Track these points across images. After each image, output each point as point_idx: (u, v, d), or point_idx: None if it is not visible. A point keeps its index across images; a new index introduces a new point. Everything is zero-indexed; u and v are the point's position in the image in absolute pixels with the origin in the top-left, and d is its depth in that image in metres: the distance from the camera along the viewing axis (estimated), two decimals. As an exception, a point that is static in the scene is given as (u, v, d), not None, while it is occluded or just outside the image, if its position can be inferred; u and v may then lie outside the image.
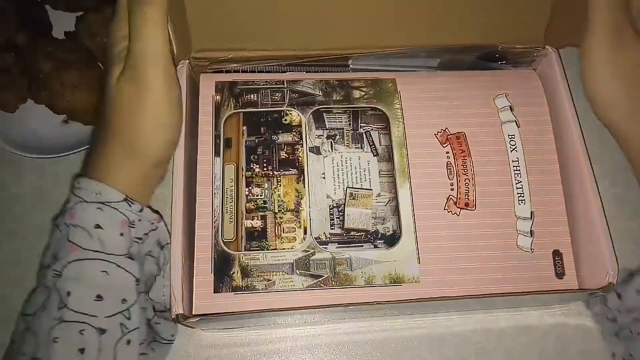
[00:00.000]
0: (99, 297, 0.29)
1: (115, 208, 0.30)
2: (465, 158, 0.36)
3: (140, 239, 0.32)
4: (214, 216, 0.33)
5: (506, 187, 0.35)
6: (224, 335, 0.38)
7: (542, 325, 0.39)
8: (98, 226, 0.30)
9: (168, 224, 0.33)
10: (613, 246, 0.33)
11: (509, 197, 0.35)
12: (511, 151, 0.36)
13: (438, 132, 0.36)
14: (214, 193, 0.34)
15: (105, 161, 0.32)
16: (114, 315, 0.29)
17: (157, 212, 0.33)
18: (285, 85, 0.37)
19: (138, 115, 0.30)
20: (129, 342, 0.29)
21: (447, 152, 0.36)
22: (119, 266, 0.30)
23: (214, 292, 0.32)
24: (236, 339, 0.38)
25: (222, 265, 0.32)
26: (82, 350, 0.28)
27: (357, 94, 0.37)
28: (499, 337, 0.39)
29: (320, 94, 0.37)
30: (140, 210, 0.31)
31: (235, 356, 0.38)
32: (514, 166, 0.36)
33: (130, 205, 0.31)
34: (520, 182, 0.35)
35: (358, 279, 0.33)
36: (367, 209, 0.34)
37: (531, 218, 0.35)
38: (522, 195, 0.35)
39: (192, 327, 0.34)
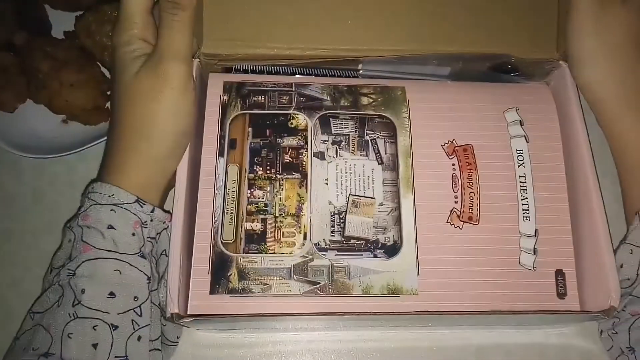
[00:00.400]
0: (112, 295, 0.30)
1: (127, 209, 0.31)
2: (471, 171, 0.35)
3: (153, 238, 0.32)
4: (215, 217, 0.33)
5: (511, 202, 0.35)
6: (223, 336, 0.38)
7: (541, 344, 0.38)
8: (111, 227, 0.31)
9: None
10: (617, 268, 0.32)
11: (513, 213, 0.34)
12: (519, 166, 0.35)
13: (445, 143, 0.36)
14: (216, 193, 0.34)
15: (118, 162, 0.32)
16: (126, 312, 0.30)
17: (168, 212, 0.33)
18: (294, 89, 0.36)
19: (154, 102, 0.32)
20: (139, 338, 0.30)
21: (453, 164, 0.35)
22: (131, 265, 0.31)
23: (210, 293, 0.31)
24: (236, 340, 0.38)
25: (220, 267, 0.32)
26: (95, 346, 0.29)
27: (365, 100, 0.36)
28: (496, 354, 0.38)
29: (328, 99, 0.36)
30: (152, 211, 0.32)
31: (234, 357, 0.38)
32: (520, 182, 0.35)
33: (141, 206, 0.32)
34: (526, 198, 0.35)
35: (355, 288, 0.32)
36: (368, 217, 0.34)
37: (535, 236, 0.34)
38: (528, 212, 0.35)
39: (187, 327, 0.34)
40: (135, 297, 0.30)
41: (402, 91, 0.37)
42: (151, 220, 0.32)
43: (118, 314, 0.30)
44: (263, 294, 0.32)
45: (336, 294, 0.32)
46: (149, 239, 0.32)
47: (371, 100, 0.36)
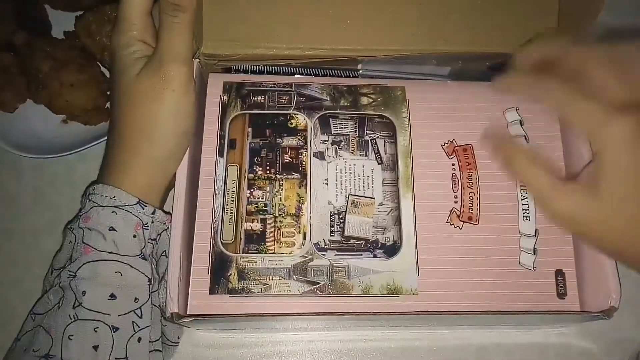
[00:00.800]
0: (113, 296, 0.30)
1: (128, 211, 0.31)
2: (471, 171, 0.35)
3: (154, 239, 0.33)
4: (214, 217, 0.33)
5: (511, 202, 0.35)
6: (223, 336, 0.38)
7: (540, 343, 0.38)
8: (112, 229, 0.31)
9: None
10: (617, 268, 0.32)
11: (513, 213, 0.34)
12: None
13: (445, 143, 0.36)
14: (216, 193, 0.34)
15: (119, 163, 0.32)
16: (127, 314, 0.30)
17: (168, 213, 0.33)
18: (293, 89, 0.36)
19: (155, 103, 0.32)
20: (139, 339, 0.30)
21: (453, 164, 0.35)
22: (132, 267, 0.31)
23: (210, 293, 0.31)
24: (236, 340, 0.38)
25: (220, 267, 0.32)
26: (96, 347, 0.29)
27: (365, 100, 0.36)
28: (496, 354, 0.38)
29: (328, 99, 0.36)
30: (153, 212, 0.32)
31: (234, 357, 0.38)
32: (520, 182, 0.35)
33: (143, 208, 0.32)
34: (526, 198, 0.35)
35: (355, 288, 0.32)
36: (368, 217, 0.34)
37: (535, 235, 0.34)
38: (527, 212, 0.35)
39: (187, 327, 0.34)
40: (135, 299, 0.31)
41: (401, 91, 0.37)
42: (152, 222, 0.32)
43: (119, 315, 0.30)
44: (263, 294, 0.32)
45: (336, 294, 0.32)
46: (149, 241, 0.32)
47: (371, 100, 0.36)
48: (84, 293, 0.29)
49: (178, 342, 0.35)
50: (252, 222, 0.33)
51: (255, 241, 0.33)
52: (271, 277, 0.32)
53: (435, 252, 0.33)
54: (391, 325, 0.38)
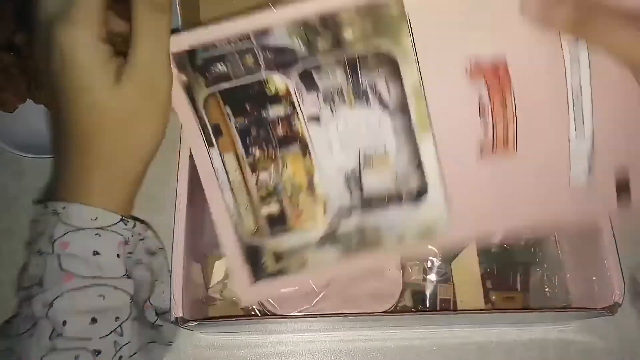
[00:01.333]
0: (94, 321, 0.29)
1: (113, 231, 0.30)
2: (504, 92, 0.28)
3: (131, 252, 0.32)
4: (230, 212, 0.32)
5: (557, 118, 0.28)
6: (223, 337, 0.39)
7: (540, 341, 0.37)
8: (96, 252, 0.29)
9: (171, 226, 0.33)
10: (620, 265, 0.29)
11: (560, 129, 0.28)
12: (572, 74, 0.27)
13: (466, 65, 0.27)
14: (222, 188, 0.32)
15: (95, 182, 0.30)
16: (108, 335, 0.30)
17: (143, 221, 0.33)
18: (254, 43, 0.28)
19: (143, 121, 0.29)
20: (120, 358, 0.30)
21: (480, 89, 0.28)
22: (115, 288, 0.30)
23: (253, 283, 0.33)
24: (235, 340, 0.39)
25: (253, 257, 0.33)
26: None
27: (349, 33, 0.27)
28: (496, 352, 0.38)
29: (301, 45, 0.28)
30: (134, 227, 0.32)
31: (234, 358, 0.38)
32: (572, 93, 0.27)
33: (125, 224, 0.31)
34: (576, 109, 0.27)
35: (388, 241, 0.32)
36: (385, 171, 0.30)
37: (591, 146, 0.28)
38: (579, 123, 0.28)
39: (191, 330, 0.35)
40: (116, 318, 0.30)
41: (397, 4, 0.26)
42: (132, 236, 0.32)
43: (100, 338, 0.29)
44: (302, 269, 0.33)
45: (370, 250, 0.32)
46: (128, 254, 0.32)
47: (357, 31, 0.27)
48: (64, 323, 0.28)
49: (172, 343, 0.36)
50: (269, 206, 0.32)
51: (278, 222, 0.32)
52: (305, 253, 0.33)
53: (464, 189, 0.30)
54: (394, 325, 0.37)
